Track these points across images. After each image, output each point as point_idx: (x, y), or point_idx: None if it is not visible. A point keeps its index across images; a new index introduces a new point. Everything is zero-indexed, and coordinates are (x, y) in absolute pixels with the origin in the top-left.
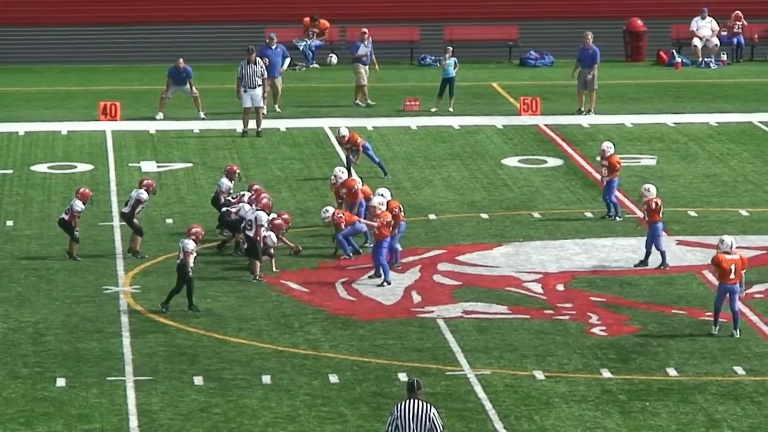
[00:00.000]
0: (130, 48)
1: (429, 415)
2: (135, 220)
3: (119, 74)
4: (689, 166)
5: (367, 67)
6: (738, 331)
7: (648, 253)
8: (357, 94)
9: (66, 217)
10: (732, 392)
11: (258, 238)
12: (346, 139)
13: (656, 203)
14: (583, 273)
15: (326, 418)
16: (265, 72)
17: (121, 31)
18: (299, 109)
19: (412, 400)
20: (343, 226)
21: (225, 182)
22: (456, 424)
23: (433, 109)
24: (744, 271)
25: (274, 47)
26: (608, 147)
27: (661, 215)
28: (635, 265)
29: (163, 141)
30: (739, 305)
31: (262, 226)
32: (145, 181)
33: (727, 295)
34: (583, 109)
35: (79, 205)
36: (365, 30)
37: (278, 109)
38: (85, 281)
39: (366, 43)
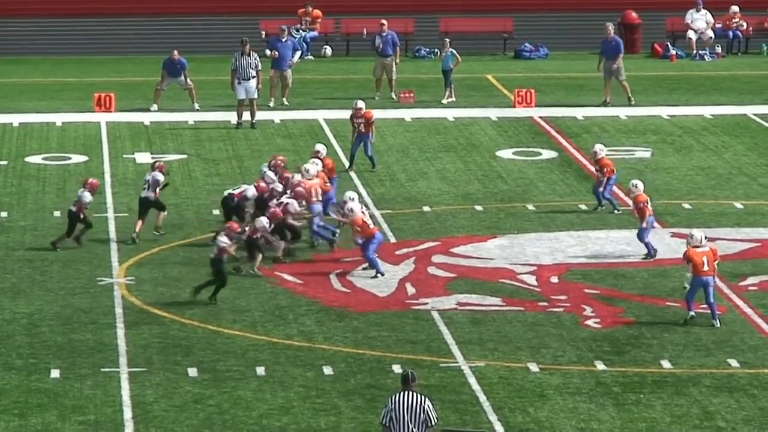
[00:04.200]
0: (125, 39)
1: (423, 406)
2: (159, 198)
3: (114, 66)
4: (684, 159)
5: (387, 59)
6: (717, 320)
7: (647, 246)
8: (378, 86)
9: (74, 209)
10: (726, 385)
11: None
12: (362, 111)
13: (645, 201)
14: (577, 265)
15: (320, 409)
16: (260, 64)
17: (116, 23)
18: (293, 101)
19: (406, 392)
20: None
21: (270, 174)
22: (450, 416)
23: (444, 101)
24: (716, 262)
25: (284, 40)
26: (600, 149)
27: (650, 209)
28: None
29: (157, 132)
30: (713, 298)
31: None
32: (157, 164)
33: (702, 288)
34: (608, 100)
35: (87, 196)
36: (384, 22)
37: (286, 102)
38: (79, 272)
39: (383, 34)
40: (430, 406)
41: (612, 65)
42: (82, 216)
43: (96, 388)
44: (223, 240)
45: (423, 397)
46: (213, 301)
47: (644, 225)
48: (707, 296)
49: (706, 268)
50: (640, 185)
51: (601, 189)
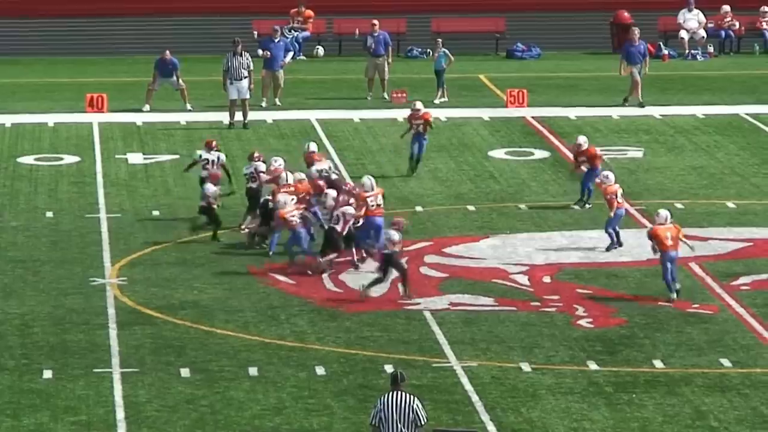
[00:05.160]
0: (117, 40)
1: (412, 406)
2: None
3: (106, 66)
4: (676, 159)
5: (379, 59)
6: (675, 293)
7: (611, 236)
8: (371, 86)
9: (204, 204)
10: (718, 384)
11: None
12: (420, 113)
13: (614, 193)
14: (569, 265)
15: (313, 410)
16: (251, 64)
17: (108, 23)
18: (286, 101)
19: (395, 392)
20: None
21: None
22: (442, 416)
23: (436, 101)
24: (681, 238)
25: (276, 40)
26: (584, 141)
27: (619, 201)
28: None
29: (149, 133)
30: (674, 274)
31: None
32: (255, 154)
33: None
34: (641, 100)
35: (210, 188)
36: (375, 22)
37: (278, 102)
38: (71, 273)
39: (375, 34)
40: (419, 406)
41: (640, 70)
42: (213, 207)
43: (88, 388)
44: (395, 235)
45: (412, 396)
46: (407, 295)
47: (612, 215)
48: (672, 271)
49: (670, 242)
50: (611, 176)
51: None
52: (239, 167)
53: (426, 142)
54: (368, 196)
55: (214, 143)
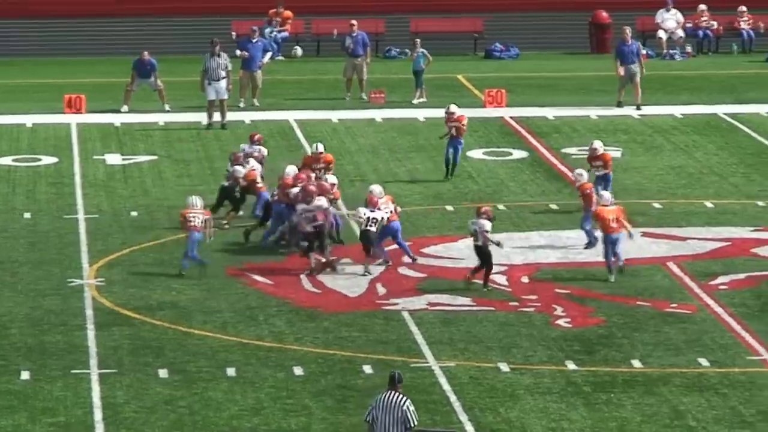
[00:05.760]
0: (95, 41)
1: (402, 407)
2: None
3: (84, 67)
4: (654, 158)
5: (357, 59)
6: (613, 276)
7: (588, 233)
8: (349, 87)
9: (228, 184)
10: (696, 384)
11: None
12: (455, 116)
13: (590, 189)
14: (548, 265)
15: (291, 410)
16: (229, 64)
17: (86, 24)
18: (264, 102)
19: (390, 392)
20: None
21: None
22: (421, 416)
23: (415, 101)
24: (624, 222)
25: (254, 40)
26: (599, 146)
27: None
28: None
29: (128, 134)
30: (613, 256)
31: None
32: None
33: (612, 245)
34: (621, 101)
35: (240, 170)
36: (354, 22)
37: (256, 103)
38: (49, 274)
39: (353, 35)
40: (410, 408)
41: (635, 70)
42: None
43: (66, 389)
44: (486, 224)
45: (405, 398)
46: (487, 288)
47: (587, 213)
48: (611, 252)
49: (614, 225)
50: (585, 174)
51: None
52: (218, 168)
53: (461, 146)
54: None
55: (257, 136)
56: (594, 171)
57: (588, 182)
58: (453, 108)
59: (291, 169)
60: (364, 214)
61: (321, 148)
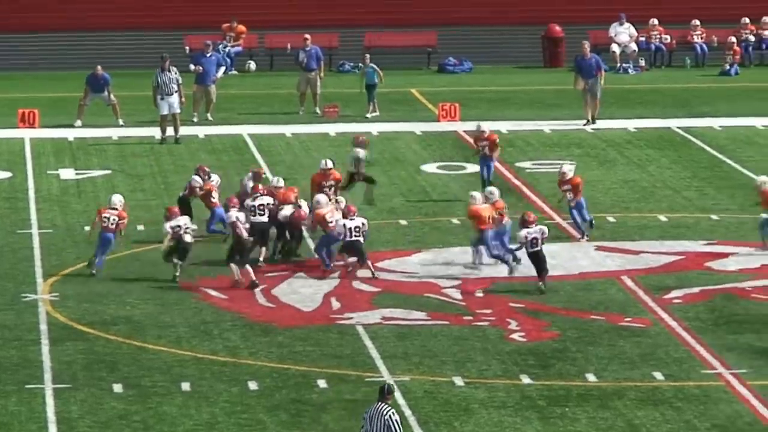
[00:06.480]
0: (48, 55)
1: (385, 417)
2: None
3: (37, 82)
4: (608, 172)
5: (311, 74)
6: (513, 269)
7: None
8: (303, 101)
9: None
10: (651, 397)
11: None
12: (486, 135)
13: (503, 209)
14: (502, 279)
15: (245, 425)
16: (180, 78)
17: (39, 39)
18: (217, 116)
19: (379, 404)
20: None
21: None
22: None
23: (368, 115)
24: (503, 214)
25: (208, 55)
26: (569, 170)
27: (506, 217)
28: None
29: (81, 148)
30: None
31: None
32: (360, 138)
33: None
34: (590, 119)
35: (197, 180)
36: (307, 36)
37: (210, 117)
38: (3, 289)
39: (306, 49)
40: (393, 419)
41: (596, 84)
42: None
43: (20, 404)
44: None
45: (390, 410)
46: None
47: (498, 229)
48: (491, 248)
49: (489, 222)
50: (496, 192)
51: (575, 213)
52: (172, 182)
53: (494, 164)
54: (326, 213)
55: (206, 168)
56: (565, 195)
57: (500, 200)
58: (484, 126)
59: (323, 198)
60: (345, 226)
61: (330, 164)
